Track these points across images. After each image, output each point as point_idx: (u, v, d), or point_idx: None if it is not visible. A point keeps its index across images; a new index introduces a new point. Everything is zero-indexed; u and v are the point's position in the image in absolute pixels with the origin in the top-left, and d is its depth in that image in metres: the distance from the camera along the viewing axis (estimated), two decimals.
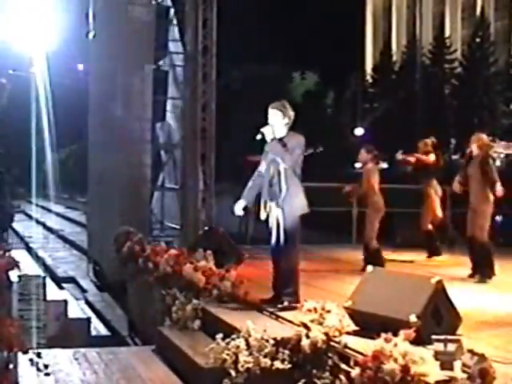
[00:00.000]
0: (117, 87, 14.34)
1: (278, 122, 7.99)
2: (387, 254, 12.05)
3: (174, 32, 15.37)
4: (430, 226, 12.71)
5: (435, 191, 12.74)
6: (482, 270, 10.25)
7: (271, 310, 7.71)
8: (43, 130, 27.21)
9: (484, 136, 10.91)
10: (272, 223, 8.05)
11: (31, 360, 7.68)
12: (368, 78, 71.28)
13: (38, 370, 7.49)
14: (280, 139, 7.94)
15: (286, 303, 7.72)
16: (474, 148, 10.60)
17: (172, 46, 15.44)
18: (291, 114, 8.04)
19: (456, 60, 62.55)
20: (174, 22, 15.29)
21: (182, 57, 15.05)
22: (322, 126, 52.81)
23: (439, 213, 12.83)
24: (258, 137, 8.04)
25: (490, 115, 55.26)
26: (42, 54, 22.28)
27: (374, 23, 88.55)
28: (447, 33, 72.74)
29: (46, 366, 7.65)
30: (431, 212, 12.73)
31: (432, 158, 12.79)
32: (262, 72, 55.81)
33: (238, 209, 8.34)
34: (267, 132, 7.99)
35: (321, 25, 69.49)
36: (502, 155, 35.68)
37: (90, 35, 16.53)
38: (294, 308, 7.35)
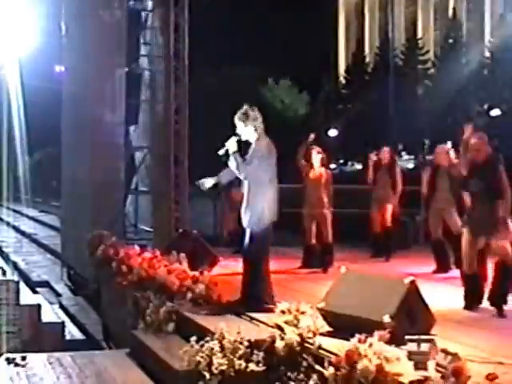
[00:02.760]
0: (89, 90, 14.28)
1: (243, 131, 8.03)
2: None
3: (146, 35, 15.35)
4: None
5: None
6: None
7: (248, 313, 7.69)
8: (15, 133, 27.04)
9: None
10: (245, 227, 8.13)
11: (7, 359, 7.66)
12: (341, 79, 71.54)
13: (16, 365, 7.47)
14: (242, 149, 8.01)
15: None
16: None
17: (144, 50, 15.42)
18: (255, 118, 8.02)
19: (429, 61, 62.97)
20: (146, 25, 15.27)
21: (154, 60, 15.03)
22: (295, 128, 52.81)
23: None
24: (221, 152, 8.06)
25: (464, 115, 55.53)
26: (14, 56, 22.11)
27: (347, 24, 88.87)
28: (420, 34, 73.26)
29: (24, 358, 7.63)
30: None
31: None
32: (235, 74, 55.79)
33: (208, 183, 8.35)
34: (231, 146, 7.97)
35: (293, 27, 69.57)
36: None
37: (63, 39, 16.46)
38: (271, 310, 7.31)
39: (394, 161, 13.57)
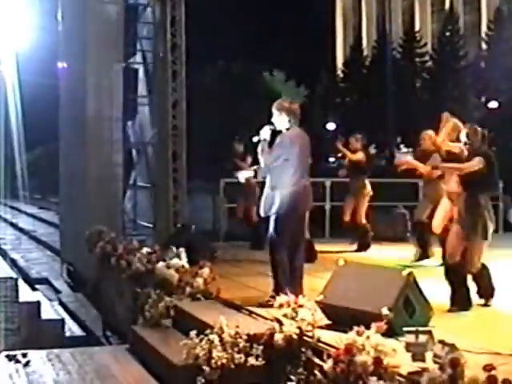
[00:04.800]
0: (87, 86, 14.26)
1: (277, 120, 8.14)
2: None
3: (143, 30, 15.33)
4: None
5: (366, 189, 13.09)
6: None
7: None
8: (12, 130, 27.02)
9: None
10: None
11: (8, 356, 7.66)
12: (339, 73, 71.49)
13: (17, 362, 7.47)
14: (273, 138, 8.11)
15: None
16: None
17: (142, 44, 15.40)
18: (292, 110, 8.16)
19: (426, 54, 62.94)
20: (143, 19, 15.25)
21: (151, 54, 15.01)
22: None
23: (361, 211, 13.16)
24: (256, 139, 8.21)
25: (461, 108, 55.48)
26: (11, 53, 22.09)
27: (344, 18, 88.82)
28: (417, 27, 73.23)
29: (25, 355, 7.63)
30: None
31: (359, 156, 13.05)
32: (234, 68, 55.79)
33: (244, 175, 8.35)
34: (263, 133, 8.12)
35: (291, 21, 69.54)
36: None
37: (60, 34, 16.43)
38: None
39: (365, 149, 13.40)
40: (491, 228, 7.70)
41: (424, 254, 11.22)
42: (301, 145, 8.08)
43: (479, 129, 8.03)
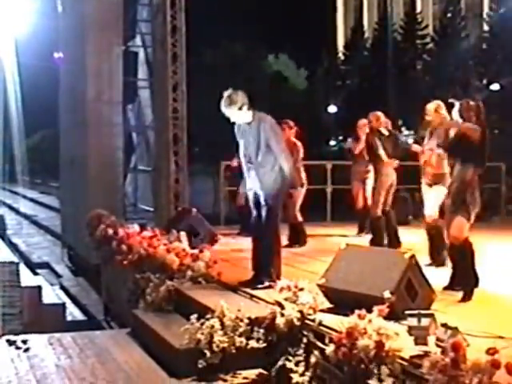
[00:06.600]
0: (86, 69, 14.22)
1: (237, 116, 7.86)
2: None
3: (143, 12, 15.27)
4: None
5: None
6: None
7: (249, 290, 7.64)
8: (12, 115, 27.00)
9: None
10: (252, 202, 8.04)
11: (8, 340, 7.65)
12: (340, 55, 71.28)
13: (17, 348, 7.46)
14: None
15: (266, 283, 7.60)
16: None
17: (141, 27, 15.34)
18: (242, 98, 7.82)
19: (428, 35, 62.67)
20: (143, 1, 15.17)
21: (151, 37, 14.95)
22: (294, 105, 52.73)
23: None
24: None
25: (463, 90, 55.28)
26: (10, 38, 22.05)
27: (345, 0, 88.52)
28: (418, 8, 72.92)
29: (25, 342, 7.62)
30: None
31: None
32: (234, 50, 55.57)
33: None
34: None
35: (292, 2, 69.30)
36: None
37: (60, 18, 16.38)
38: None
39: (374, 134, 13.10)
40: (476, 209, 7.38)
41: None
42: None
43: (472, 103, 7.58)
